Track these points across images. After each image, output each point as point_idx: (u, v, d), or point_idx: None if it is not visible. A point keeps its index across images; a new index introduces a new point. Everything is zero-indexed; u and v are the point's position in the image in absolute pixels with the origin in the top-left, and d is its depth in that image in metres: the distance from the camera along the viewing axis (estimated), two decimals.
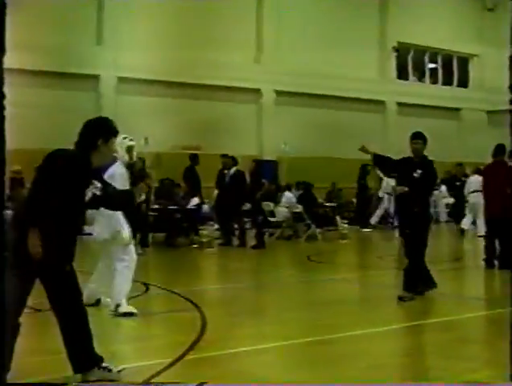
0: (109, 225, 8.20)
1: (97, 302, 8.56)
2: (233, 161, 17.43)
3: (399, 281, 9.50)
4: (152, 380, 5.46)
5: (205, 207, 20.20)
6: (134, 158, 8.55)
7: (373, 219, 23.56)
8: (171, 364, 5.95)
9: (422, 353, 6.59)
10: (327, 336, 7.22)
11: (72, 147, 5.39)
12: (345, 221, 21.96)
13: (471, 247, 18.07)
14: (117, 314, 8.06)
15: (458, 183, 23.73)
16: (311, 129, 25.68)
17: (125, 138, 8.22)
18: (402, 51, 29.71)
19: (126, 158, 8.34)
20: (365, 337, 7.25)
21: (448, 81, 32.05)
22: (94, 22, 22.69)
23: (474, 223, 19.72)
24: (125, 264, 8.27)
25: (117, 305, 8.11)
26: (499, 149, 13.13)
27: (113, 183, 7.64)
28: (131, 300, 8.48)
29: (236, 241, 17.22)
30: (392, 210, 22.31)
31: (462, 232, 19.90)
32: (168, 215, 17.87)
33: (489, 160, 13.37)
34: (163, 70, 22.87)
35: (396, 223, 19.08)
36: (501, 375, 5.67)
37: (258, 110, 25.99)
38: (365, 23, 28.07)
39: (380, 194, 24.02)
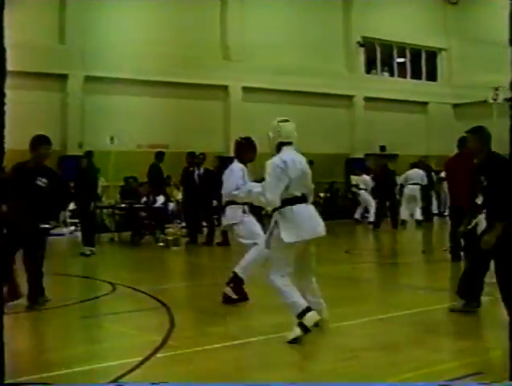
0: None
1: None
2: (204, 159, 17.54)
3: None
4: (122, 380, 5.38)
5: (171, 206, 20.07)
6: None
7: (357, 215, 24.20)
8: (141, 363, 5.89)
9: (392, 345, 6.57)
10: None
11: None
12: None
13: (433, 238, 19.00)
14: None
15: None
16: None
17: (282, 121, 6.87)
18: (369, 46, 29.78)
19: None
20: (339, 329, 7.20)
21: (416, 76, 32.19)
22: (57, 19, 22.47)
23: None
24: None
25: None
26: (463, 141, 13.19)
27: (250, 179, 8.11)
28: (97, 299, 8.34)
29: (202, 239, 17.15)
30: (372, 204, 23.29)
31: (403, 223, 21.79)
32: (134, 213, 17.85)
33: (454, 153, 13.43)
34: (132, 68, 22.67)
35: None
36: (468, 365, 5.71)
37: (225, 107, 25.92)
38: (330, 18, 28.14)
39: (353, 189, 24.81)
